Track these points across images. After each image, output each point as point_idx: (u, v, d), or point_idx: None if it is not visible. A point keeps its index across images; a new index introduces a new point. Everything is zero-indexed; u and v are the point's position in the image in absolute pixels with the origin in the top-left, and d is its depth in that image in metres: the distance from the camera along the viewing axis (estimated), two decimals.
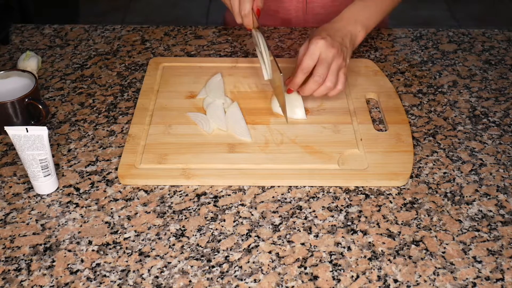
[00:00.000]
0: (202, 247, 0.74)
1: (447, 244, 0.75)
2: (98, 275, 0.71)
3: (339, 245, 0.75)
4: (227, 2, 0.99)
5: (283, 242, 0.75)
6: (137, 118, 0.94)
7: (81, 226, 0.77)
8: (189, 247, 0.74)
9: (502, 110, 0.99)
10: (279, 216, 0.79)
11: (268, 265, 0.72)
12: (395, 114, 0.95)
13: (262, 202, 0.81)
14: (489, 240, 0.76)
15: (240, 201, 0.81)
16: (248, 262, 0.73)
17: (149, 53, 1.13)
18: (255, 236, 0.76)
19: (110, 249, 0.74)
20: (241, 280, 0.70)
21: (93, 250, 0.74)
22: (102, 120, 0.96)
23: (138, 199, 0.81)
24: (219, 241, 0.75)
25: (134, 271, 0.71)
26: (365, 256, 0.73)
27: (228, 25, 1.30)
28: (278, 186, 0.83)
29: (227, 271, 0.71)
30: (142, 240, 0.75)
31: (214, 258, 0.73)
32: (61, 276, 0.71)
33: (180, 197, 0.82)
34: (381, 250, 0.74)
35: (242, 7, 0.93)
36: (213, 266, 0.72)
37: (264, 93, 1.00)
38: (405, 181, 0.84)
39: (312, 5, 1.20)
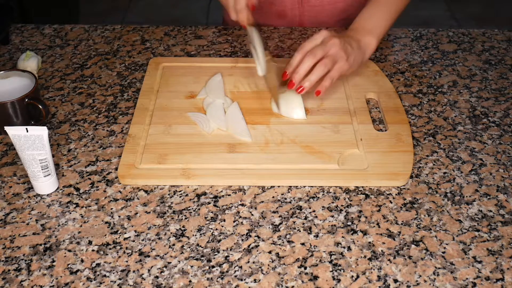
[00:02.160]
0: (202, 247, 0.74)
1: (447, 244, 0.75)
2: (98, 275, 0.71)
3: (339, 245, 0.75)
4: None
5: (283, 242, 0.75)
6: (137, 118, 0.94)
7: (81, 226, 0.77)
8: (189, 247, 0.74)
9: (502, 110, 0.99)
10: (279, 216, 0.79)
11: (268, 265, 0.72)
12: (395, 114, 0.95)
13: (262, 202, 0.81)
14: (489, 240, 0.76)
15: (240, 201, 0.81)
16: (248, 262, 0.73)
17: (149, 53, 1.13)
18: (255, 236, 0.76)
19: (110, 249, 0.74)
20: (241, 280, 0.70)
21: (93, 250, 0.74)
22: (102, 120, 0.96)
23: (138, 199, 0.81)
24: (219, 241, 0.75)
25: (134, 271, 0.71)
26: (365, 256, 0.73)
27: (227, 24, 1.30)
28: (278, 186, 0.83)
29: (227, 271, 0.71)
30: (142, 240, 0.75)
31: (214, 258, 0.73)
32: (61, 276, 0.71)
33: (180, 197, 0.82)
34: (381, 250, 0.74)
35: (237, 2, 0.94)
36: (213, 266, 0.72)
37: (265, 93, 1.00)
38: (405, 181, 0.84)
39: None
